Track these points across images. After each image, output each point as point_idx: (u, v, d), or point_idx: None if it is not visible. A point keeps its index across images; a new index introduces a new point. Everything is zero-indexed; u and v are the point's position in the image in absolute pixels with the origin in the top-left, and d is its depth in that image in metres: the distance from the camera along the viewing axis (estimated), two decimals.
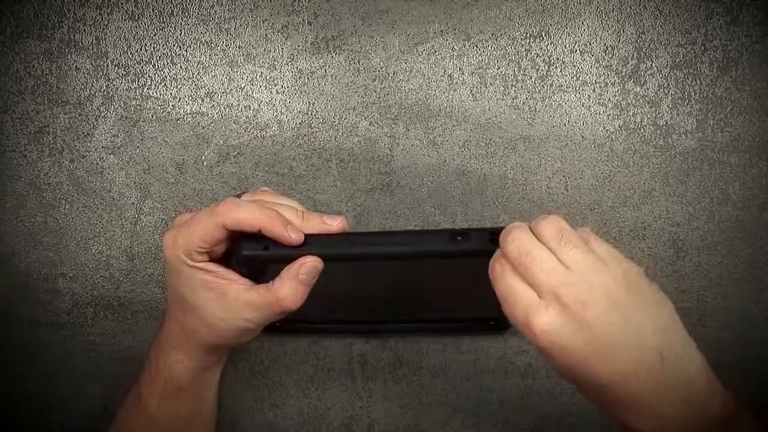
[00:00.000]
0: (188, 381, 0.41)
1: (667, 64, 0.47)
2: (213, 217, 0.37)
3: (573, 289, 0.32)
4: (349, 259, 0.39)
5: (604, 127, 0.48)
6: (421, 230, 0.41)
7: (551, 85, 0.47)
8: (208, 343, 0.40)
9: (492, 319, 0.50)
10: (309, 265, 0.38)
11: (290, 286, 0.38)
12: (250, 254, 0.39)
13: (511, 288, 0.34)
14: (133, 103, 0.48)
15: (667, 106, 0.48)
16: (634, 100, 0.48)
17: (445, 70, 0.47)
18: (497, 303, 0.48)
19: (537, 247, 0.33)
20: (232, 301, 0.38)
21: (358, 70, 0.48)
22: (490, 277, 0.36)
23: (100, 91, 0.48)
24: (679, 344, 0.33)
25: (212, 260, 0.39)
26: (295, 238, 0.38)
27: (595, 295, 0.32)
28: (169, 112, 0.49)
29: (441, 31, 0.47)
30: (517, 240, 0.34)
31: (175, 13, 0.47)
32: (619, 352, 0.31)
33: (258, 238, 0.38)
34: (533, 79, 0.47)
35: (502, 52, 0.47)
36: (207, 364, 0.42)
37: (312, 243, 0.39)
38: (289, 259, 0.39)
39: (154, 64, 0.48)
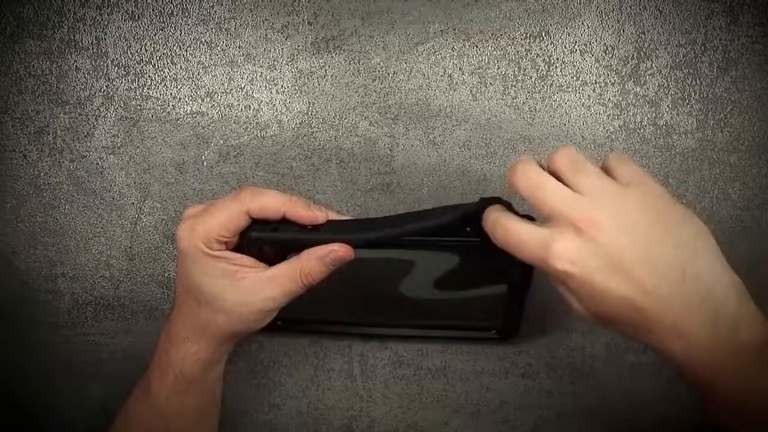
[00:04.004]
0: (199, 373, 0.41)
1: (667, 64, 0.47)
2: (236, 204, 0.37)
3: (585, 212, 0.31)
4: (359, 245, 0.39)
5: (604, 127, 0.48)
6: (420, 210, 0.41)
7: (551, 85, 0.47)
8: (225, 332, 0.40)
9: (494, 328, 0.50)
10: (338, 255, 0.38)
11: (316, 264, 0.38)
12: (259, 236, 0.39)
13: (523, 229, 0.33)
14: (133, 103, 0.48)
15: (667, 106, 0.48)
16: (634, 100, 0.48)
17: (445, 70, 0.47)
18: (500, 313, 0.48)
19: (546, 179, 0.33)
20: (252, 284, 0.38)
21: (358, 70, 0.48)
22: (491, 230, 0.35)
23: (100, 91, 0.48)
24: (706, 261, 0.31)
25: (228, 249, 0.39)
26: (320, 215, 0.39)
27: (608, 216, 0.31)
28: (169, 112, 0.49)
29: (441, 31, 0.47)
30: (526, 175, 0.34)
31: (175, 13, 0.47)
32: (638, 268, 0.31)
33: (266, 221, 0.38)
34: (533, 79, 0.47)
35: (502, 52, 0.47)
36: (218, 355, 0.42)
37: (324, 228, 0.39)
38: (298, 243, 0.39)
39: (154, 64, 0.48)
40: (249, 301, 0.39)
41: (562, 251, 0.31)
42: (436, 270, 0.47)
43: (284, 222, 0.38)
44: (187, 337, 0.40)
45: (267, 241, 0.39)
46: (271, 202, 0.38)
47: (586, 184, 0.33)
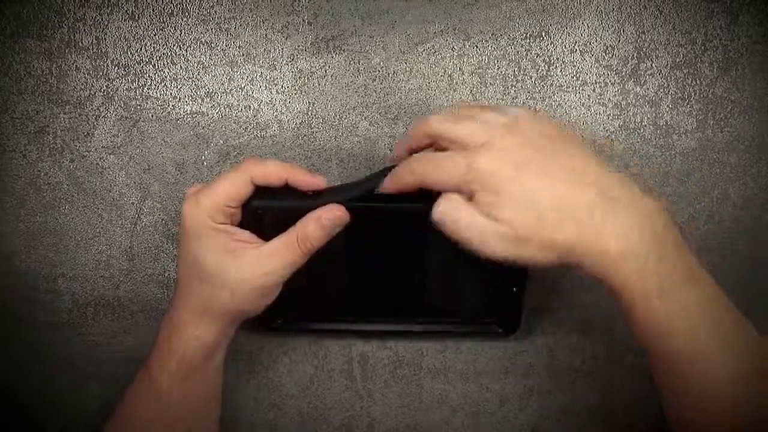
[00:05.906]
0: (201, 359, 0.41)
1: (667, 64, 0.47)
2: (239, 173, 0.39)
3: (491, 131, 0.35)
4: (353, 200, 0.40)
5: (604, 127, 0.48)
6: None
7: (551, 85, 0.47)
8: (228, 310, 0.40)
9: (495, 322, 0.50)
10: (335, 213, 0.39)
11: (312, 229, 0.39)
12: (260, 203, 0.40)
13: (445, 156, 0.36)
14: (133, 103, 0.48)
15: (667, 106, 0.48)
16: (634, 100, 0.48)
17: (445, 70, 0.47)
18: (501, 304, 0.48)
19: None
20: (252, 259, 0.39)
21: (358, 70, 0.48)
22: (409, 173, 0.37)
23: (100, 91, 0.48)
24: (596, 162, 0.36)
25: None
26: (320, 180, 0.40)
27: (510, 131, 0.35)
28: (169, 112, 0.49)
29: (441, 31, 0.47)
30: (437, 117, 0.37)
31: (175, 13, 0.47)
32: (560, 157, 0.35)
33: (267, 191, 0.40)
34: (533, 79, 0.47)
35: (502, 52, 0.47)
36: (220, 339, 0.42)
37: (323, 195, 0.40)
38: (298, 211, 0.40)
39: (154, 64, 0.48)
40: (250, 277, 0.39)
41: (486, 154, 0.34)
42: (437, 262, 0.47)
43: (284, 190, 0.40)
44: (190, 320, 0.40)
45: (268, 209, 0.40)
46: (274, 168, 0.39)
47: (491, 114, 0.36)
